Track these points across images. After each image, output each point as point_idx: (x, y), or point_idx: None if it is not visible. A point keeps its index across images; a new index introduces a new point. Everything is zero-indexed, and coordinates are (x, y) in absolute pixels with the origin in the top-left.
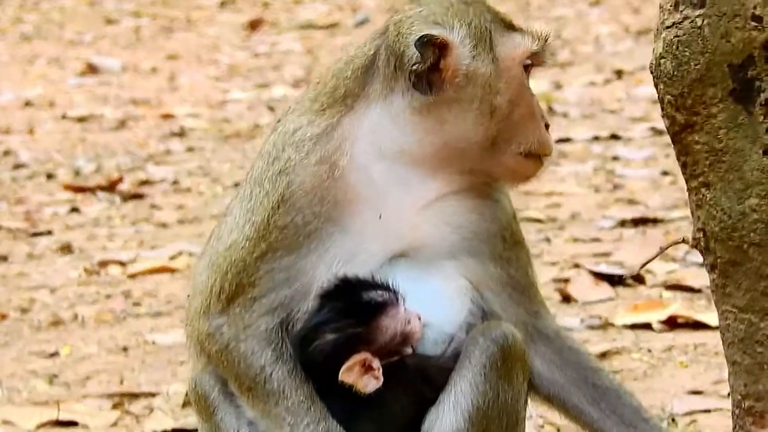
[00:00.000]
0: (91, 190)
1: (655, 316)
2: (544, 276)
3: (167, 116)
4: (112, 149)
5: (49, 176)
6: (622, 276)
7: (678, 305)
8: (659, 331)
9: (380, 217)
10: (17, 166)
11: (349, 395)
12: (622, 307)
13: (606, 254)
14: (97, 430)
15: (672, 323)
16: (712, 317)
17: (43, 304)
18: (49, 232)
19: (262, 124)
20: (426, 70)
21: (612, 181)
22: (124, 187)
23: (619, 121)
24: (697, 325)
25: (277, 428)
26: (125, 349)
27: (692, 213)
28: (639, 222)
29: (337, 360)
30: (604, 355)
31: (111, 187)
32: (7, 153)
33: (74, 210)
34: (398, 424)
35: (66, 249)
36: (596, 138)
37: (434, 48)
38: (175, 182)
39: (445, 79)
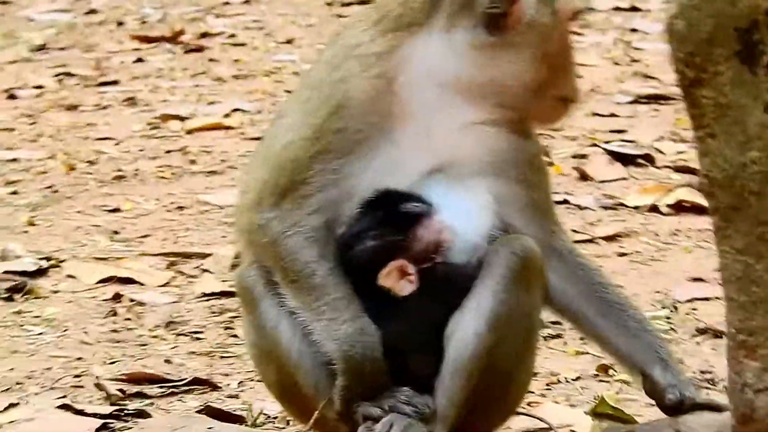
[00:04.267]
0: (156, 41)
1: (663, 200)
2: (564, 151)
3: None
4: None
5: (119, 23)
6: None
7: (685, 189)
8: (666, 214)
9: (427, 133)
10: (90, 12)
11: (383, 297)
12: (633, 188)
13: (621, 131)
14: (151, 288)
15: (679, 207)
16: None
17: (108, 157)
18: (116, 82)
19: None
20: (497, 14)
21: (629, 54)
22: (186, 38)
23: None
24: (702, 210)
25: (316, 321)
26: (180, 208)
27: (699, 159)
28: (653, 99)
29: (376, 265)
30: (615, 237)
31: (174, 38)
32: None
33: (139, 60)
34: (425, 326)
35: (131, 101)
36: (617, 8)
37: None
38: (232, 35)
39: (509, 25)
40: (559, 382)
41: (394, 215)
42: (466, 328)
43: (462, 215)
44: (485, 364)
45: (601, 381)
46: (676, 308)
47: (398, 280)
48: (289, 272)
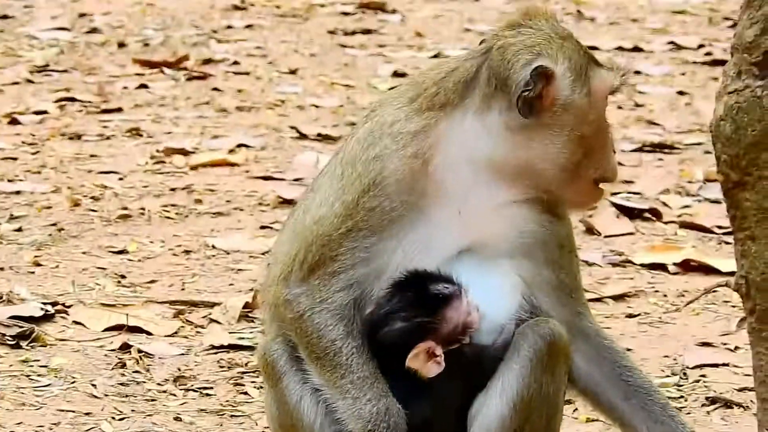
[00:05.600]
0: (158, 66)
1: (670, 258)
2: None
3: None
4: (179, 19)
5: (121, 45)
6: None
7: (691, 247)
8: (674, 273)
9: (459, 213)
10: (92, 31)
11: (408, 377)
12: (641, 244)
13: (628, 181)
14: (159, 338)
15: (686, 266)
16: (722, 263)
17: (112, 192)
18: (119, 110)
19: (315, 4)
20: (532, 96)
21: (633, 98)
22: (189, 64)
23: (641, 31)
24: (709, 270)
25: (341, 398)
26: (187, 251)
27: (737, 260)
28: (657, 147)
29: (404, 346)
30: (623, 297)
31: (177, 63)
32: (82, 15)
33: (142, 86)
34: (450, 407)
35: (134, 131)
36: (620, 48)
37: (542, 77)
38: (235, 62)
39: (544, 106)
40: None
41: (424, 296)
42: (490, 410)
43: (490, 296)
44: None
45: None
46: (685, 375)
47: (426, 362)
48: (314, 348)
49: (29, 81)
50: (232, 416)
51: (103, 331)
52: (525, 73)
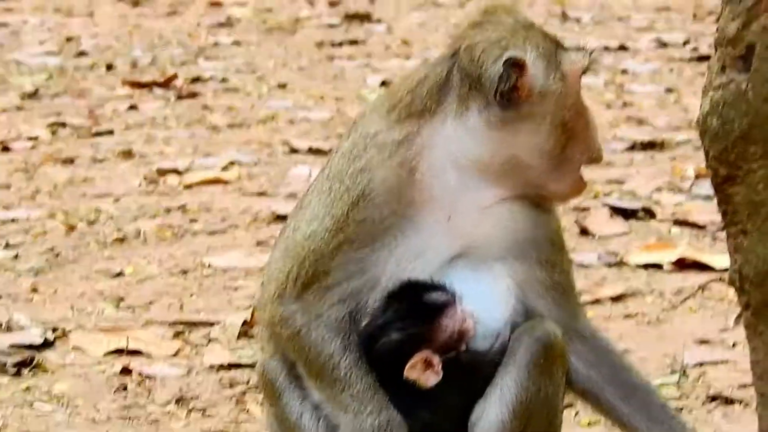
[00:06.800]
0: (148, 86)
1: (665, 257)
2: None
3: (215, 4)
4: (166, 38)
5: (109, 67)
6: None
7: (685, 244)
8: (669, 272)
9: (449, 218)
10: (80, 54)
11: (406, 387)
12: (635, 243)
13: (619, 182)
14: (159, 359)
15: (681, 264)
16: (717, 259)
17: (107, 215)
18: (110, 132)
19: (302, 17)
20: (508, 89)
21: (621, 97)
22: (178, 83)
23: (627, 30)
24: (704, 267)
25: (342, 413)
26: (184, 271)
27: (730, 255)
28: (648, 146)
29: (401, 357)
30: (620, 298)
31: (166, 83)
32: (69, 39)
33: (132, 107)
34: (450, 415)
35: (127, 154)
36: (606, 48)
37: (514, 68)
38: (223, 80)
39: (521, 97)
40: None
41: (418, 306)
42: (491, 416)
43: (484, 301)
44: None
45: None
46: (685, 373)
47: (423, 371)
48: (312, 364)
49: (20, 108)
50: None
51: (103, 355)
52: (497, 67)
